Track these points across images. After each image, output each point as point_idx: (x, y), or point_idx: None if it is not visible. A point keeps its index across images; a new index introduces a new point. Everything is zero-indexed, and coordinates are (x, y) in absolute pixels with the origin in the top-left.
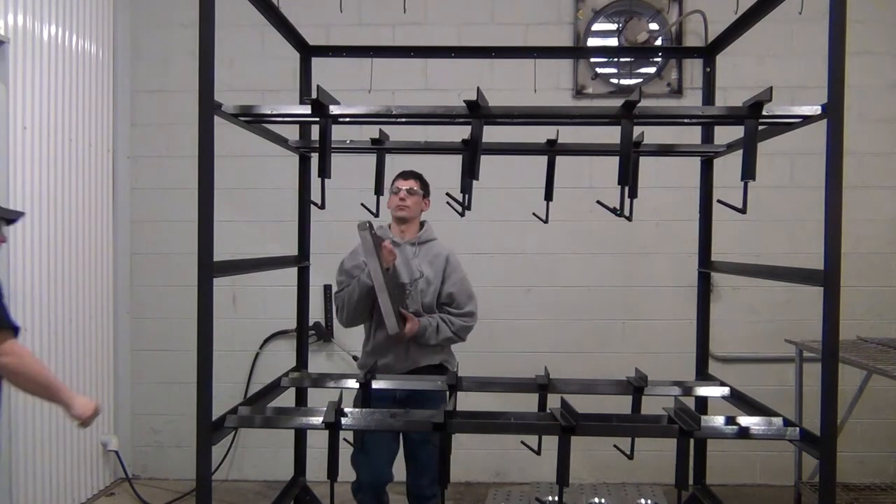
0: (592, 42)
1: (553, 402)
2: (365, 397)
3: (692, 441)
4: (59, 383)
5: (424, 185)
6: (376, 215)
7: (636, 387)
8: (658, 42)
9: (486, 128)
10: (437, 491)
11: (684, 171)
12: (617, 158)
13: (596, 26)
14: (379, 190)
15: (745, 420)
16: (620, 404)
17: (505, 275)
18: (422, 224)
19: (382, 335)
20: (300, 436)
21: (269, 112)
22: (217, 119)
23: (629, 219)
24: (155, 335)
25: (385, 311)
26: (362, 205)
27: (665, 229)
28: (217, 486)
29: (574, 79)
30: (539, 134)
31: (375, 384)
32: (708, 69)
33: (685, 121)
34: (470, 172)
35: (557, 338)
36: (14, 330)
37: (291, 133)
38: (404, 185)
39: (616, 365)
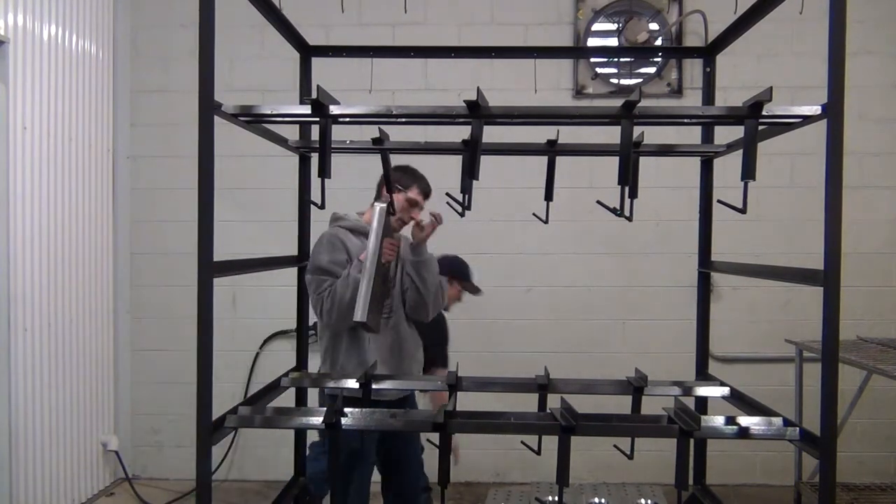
0: (592, 42)
1: (553, 402)
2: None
3: (692, 441)
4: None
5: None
6: (393, 213)
7: (636, 387)
8: (658, 42)
9: (486, 128)
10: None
11: (684, 171)
12: (617, 158)
13: (596, 26)
14: (390, 188)
15: (745, 420)
16: (620, 404)
17: (505, 275)
18: None
19: (381, 348)
20: (300, 436)
21: (269, 112)
22: (217, 119)
23: (629, 219)
24: (155, 335)
25: (364, 296)
26: (374, 202)
27: (665, 229)
28: (217, 486)
29: (574, 79)
30: (539, 134)
31: (374, 385)
32: (708, 69)
33: (685, 121)
34: (470, 172)
35: (557, 338)
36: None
37: (291, 133)
38: (424, 202)
39: (616, 365)
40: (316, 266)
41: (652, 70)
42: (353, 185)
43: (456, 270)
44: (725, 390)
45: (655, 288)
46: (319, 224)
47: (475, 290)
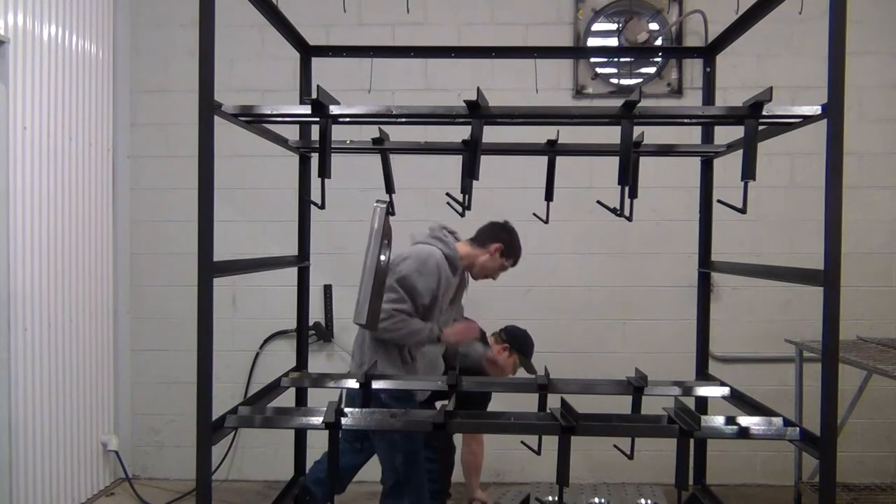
0: (592, 42)
1: (553, 402)
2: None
3: (692, 441)
4: (477, 475)
5: None
6: (393, 214)
7: (636, 387)
8: (658, 42)
9: (486, 128)
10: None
11: (684, 171)
12: (617, 158)
13: (596, 26)
14: (390, 188)
15: (745, 420)
16: (620, 404)
17: (505, 275)
18: None
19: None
20: (300, 436)
21: (269, 112)
22: (217, 119)
23: (629, 219)
24: (155, 335)
25: (363, 297)
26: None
27: (665, 229)
28: (217, 486)
29: (574, 79)
30: (539, 134)
31: (375, 384)
32: (708, 69)
33: (685, 121)
34: (470, 172)
35: (557, 338)
36: None
37: (291, 133)
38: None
39: (616, 365)
40: (411, 284)
41: (652, 70)
42: (353, 185)
43: (521, 345)
44: (725, 390)
45: (655, 288)
46: (320, 224)
47: (530, 369)
